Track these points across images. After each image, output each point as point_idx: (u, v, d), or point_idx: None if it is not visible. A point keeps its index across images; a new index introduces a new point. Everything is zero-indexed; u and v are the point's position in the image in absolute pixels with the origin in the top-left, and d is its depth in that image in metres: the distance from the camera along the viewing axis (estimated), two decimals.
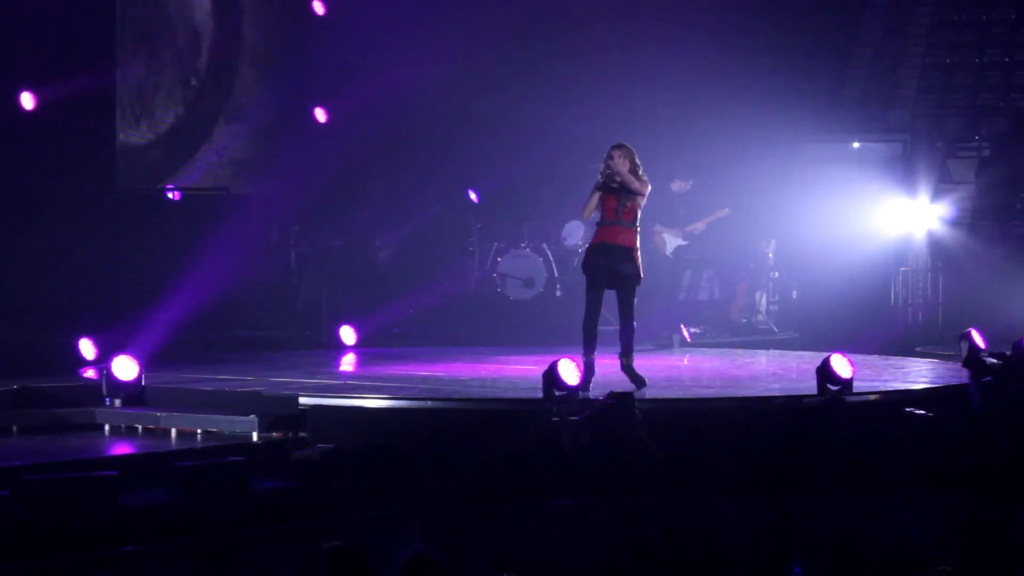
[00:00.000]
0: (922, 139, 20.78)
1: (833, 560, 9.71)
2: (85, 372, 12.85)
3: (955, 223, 19.99)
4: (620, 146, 11.51)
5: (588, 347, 11.43)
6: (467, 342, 16.48)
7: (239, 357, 14.56)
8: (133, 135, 16.86)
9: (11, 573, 8.23)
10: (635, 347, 11.70)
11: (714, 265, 18.62)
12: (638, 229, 11.50)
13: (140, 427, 11.15)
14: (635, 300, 11.50)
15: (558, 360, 10.57)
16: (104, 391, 11.37)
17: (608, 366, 11.92)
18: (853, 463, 10.54)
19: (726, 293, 18.86)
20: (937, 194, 20.18)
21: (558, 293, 18.25)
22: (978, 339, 12.66)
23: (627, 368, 11.55)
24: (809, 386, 11.24)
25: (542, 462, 10.10)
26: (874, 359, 14.57)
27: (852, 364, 11.20)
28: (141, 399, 11.38)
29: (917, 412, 11.02)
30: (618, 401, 10.07)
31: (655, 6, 20.34)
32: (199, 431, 10.86)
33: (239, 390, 11.48)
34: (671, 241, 17.23)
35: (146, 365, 11.68)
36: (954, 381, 12.37)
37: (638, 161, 11.50)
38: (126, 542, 8.73)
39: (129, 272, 15.60)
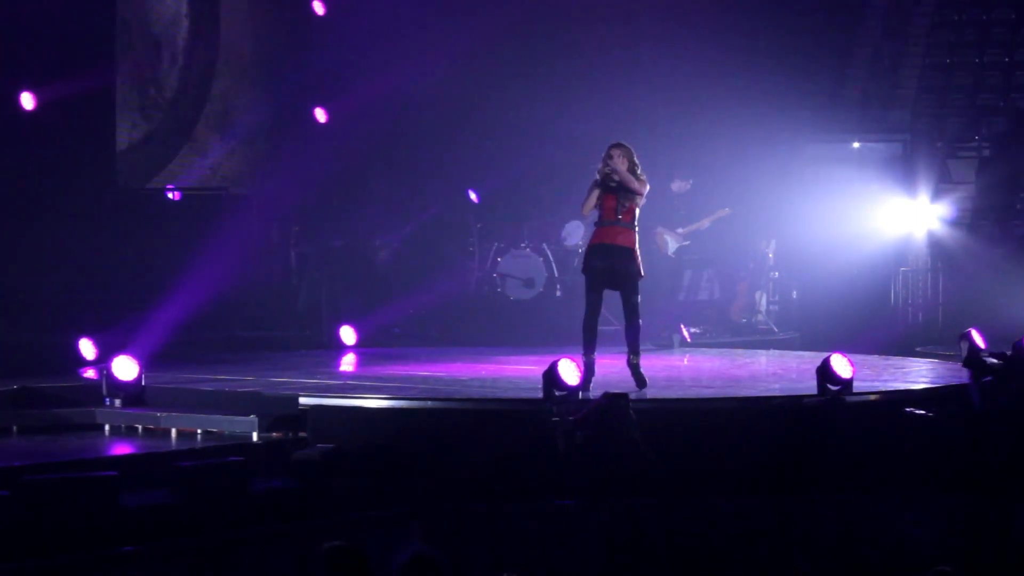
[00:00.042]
0: (922, 139, 20.79)
1: (833, 560, 9.70)
2: (85, 372, 12.86)
3: (955, 223, 19.99)
4: (619, 145, 11.50)
5: (588, 347, 11.43)
6: (467, 342, 16.49)
7: (239, 357, 14.56)
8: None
9: (11, 573, 8.23)
10: None
11: (714, 265, 18.64)
12: (637, 229, 11.49)
13: (140, 427, 11.16)
14: (638, 298, 11.49)
15: (558, 360, 10.58)
16: (104, 391, 11.38)
17: (608, 366, 11.92)
18: (853, 463, 10.54)
19: (726, 293, 18.88)
20: (937, 194, 20.19)
21: (558, 293, 18.24)
22: (978, 339, 12.65)
23: (633, 366, 11.55)
24: (809, 386, 11.25)
25: (542, 462, 10.10)
26: (874, 359, 14.57)
27: (852, 364, 11.20)
28: (141, 399, 11.39)
29: (917, 412, 11.02)
30: (612, 402, 10.07)
31: (655, 6, 20.35)
32: (199, 431, 10.86)
33: (239, 390, 11.49)
34: (672, 242, 17.23)
35: (146, 365, 11.69)
36: (954, 381, 12.37)
37: (637, 160, 11.49)
38: (126, 542, 8.74)
39: (129, 272, 15.59)
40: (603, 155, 11.46)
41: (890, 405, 11.28)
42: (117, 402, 11.32)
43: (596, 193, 11.46)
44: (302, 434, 10.55)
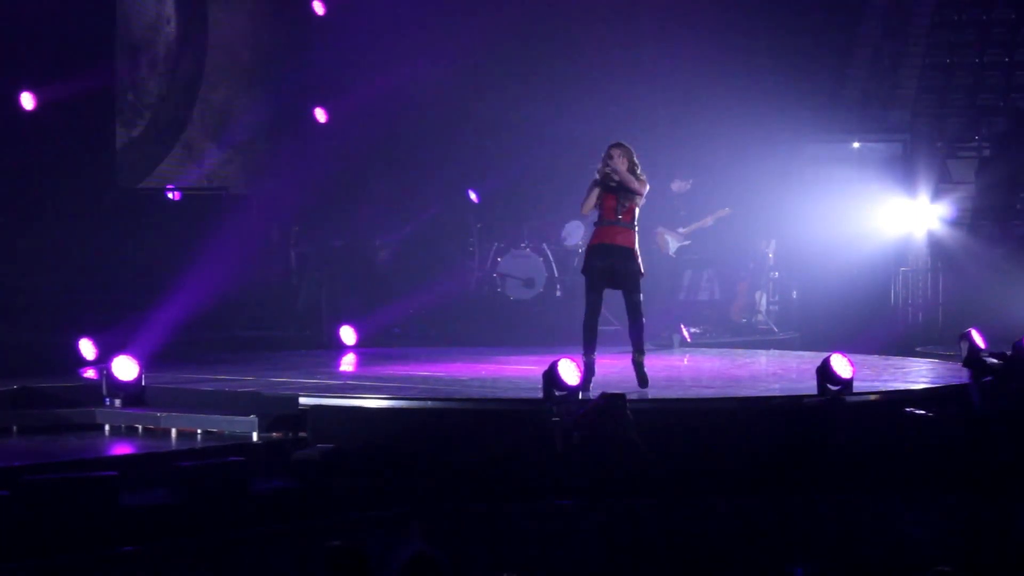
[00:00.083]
0: (922, 139, 20.78)
1: (833, 560, 9.70)
2: (85, 372, 12.86)
3: (955, 223, 19.99)
4: (618, 145, 11.50)
5: (588, 347, 11.42)
6: (467, 342, 16.48)
7: (239, 357, 14.57)
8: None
9: (11, 573, 8.23)
10: None
11: (714, 265, 18.63)
12: (637, 228, 11.49)
13: (140, 427, 11.16)
14: (641, 296, 11.48)
15: (558, 360, 10.57)
16: (104, 391, 11.38)
17: (608, 366, 11.92)
18: (853, 463, 10.54)
19: (726, 293, 18.87)
20: (937, 194, 20.18)
21: (558, 293, 18.25)
22: (978, 339, 12.65)
23: (637, 365, 11.54)
24: (809, 386, 11.24)
25: (542, 462, 10.10)
26: (874, 359, 14.57)
27: (852, 364, 11.20)
28: (141, 399, 11.39)
29: (917, 412, 11.02)
30: (609, 402, 10.07)
31: (655, 6, 20.35)
32: (199, 431, 10.86)
33: (239, 390, 11.48)
34: (673, 241, 17.23)
35: (146, 365, 11.69)
36: (954, 381, 12.37)
37: (636, 160, 11.48)
38: (126, 542, 8.74)
39: (129, 272, 15.59)
40: (603, 155, 11.45)
41: (890, 405, 11.27)
42: (117, 402, 11.32)
43: (596, 193, 11.45)
44: (302, 434, 10.54)
